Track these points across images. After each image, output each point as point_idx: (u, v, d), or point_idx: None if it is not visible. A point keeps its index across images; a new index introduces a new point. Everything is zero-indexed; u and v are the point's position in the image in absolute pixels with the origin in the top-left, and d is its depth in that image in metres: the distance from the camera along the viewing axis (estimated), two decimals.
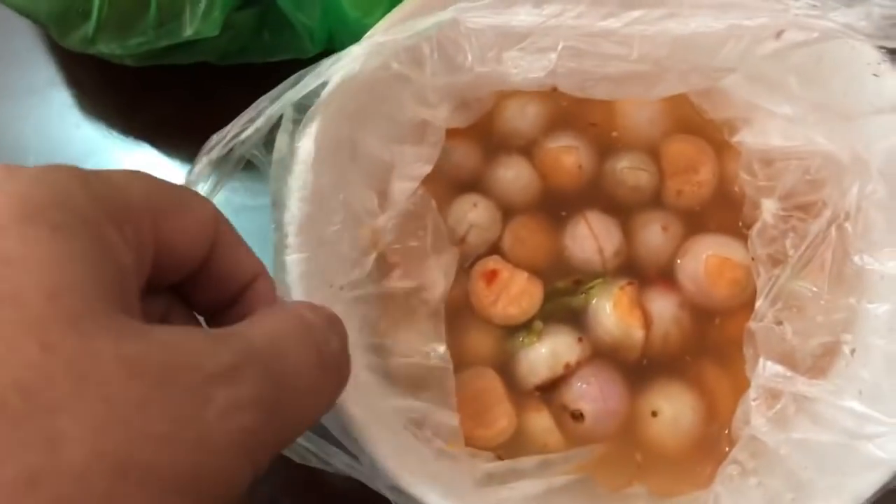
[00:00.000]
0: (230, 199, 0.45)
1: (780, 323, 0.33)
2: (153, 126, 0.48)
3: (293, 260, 0.31)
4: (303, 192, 0.31)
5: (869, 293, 0.33)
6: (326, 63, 0.33)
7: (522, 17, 0.31)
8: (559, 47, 0.31)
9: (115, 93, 0.49)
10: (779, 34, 0.30)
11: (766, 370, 0.32)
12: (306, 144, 0.31)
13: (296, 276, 0.31)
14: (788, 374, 0.32)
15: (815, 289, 0.33)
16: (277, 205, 0.32)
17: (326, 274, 0.32)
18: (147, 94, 0.48)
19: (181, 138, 0.48)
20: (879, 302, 0.32)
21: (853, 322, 0.33)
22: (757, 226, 0.35)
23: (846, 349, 0.32)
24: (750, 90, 0.35)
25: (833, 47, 0.31)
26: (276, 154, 0.33)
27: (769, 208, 0.35)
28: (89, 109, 0.49)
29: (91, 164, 0.47)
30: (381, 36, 0.33)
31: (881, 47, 0.31)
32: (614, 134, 0.40)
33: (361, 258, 0.33)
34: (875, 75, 0.32)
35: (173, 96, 0.48)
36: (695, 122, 0.39)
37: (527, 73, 0.32)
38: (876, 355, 0.31)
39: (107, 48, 0.41)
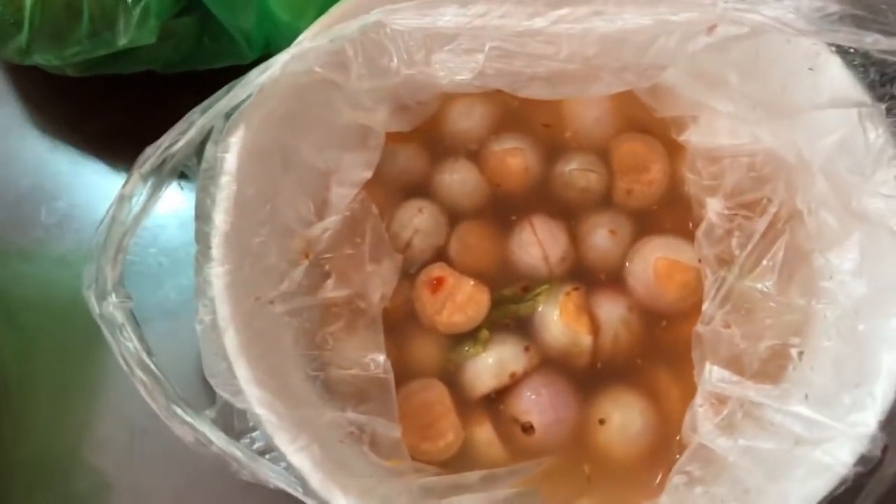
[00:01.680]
0: (177, 212, 0.45)
1: (728, 326, 0.32)
2: (102, 137, 0.47)
3: (216, 273, 0.30)
4: (226, 204, 0.30)
5: (819, 294, 0.32)
6: (255, 72, 0.32)
7: (448, 18, 0.30)
8: (486, 48, 0.30)
9: (64, 104, 0.48)
10: (710, 29, 0.29)
11: (713, 375, 0.31)
12: (229, 154, 0.30)
13: (219, 288, 0.30)
14: (735, 378, 0.30)
15: (765, 290, 0.32)
16: (201, 217, 0.31)
17: (252, 286, 0.31)
18: (95, 105, 0.47)
19: (130, 149, 0.47)
20: (828, 302, 0.31)
21: (802, 324, 0.32)
22: (703, 226, 0.34)
23: (794, 352, 0.31)
24: (693, 88, 0.34)
25: (769, 42, 0.30)
26: (203, 165, 0.32)
27: (714, 207, 0.34)
28: (37, 122, 0.48)
29: (38, 176, 0.47)
30: (309, 41, 0.32)
31: None
32: (567, 134, 0.39)
33: (291, 269, 0.32)
34: (811, 69, 0.31)
35: (121, 106, 0.47)
36: (645, 121, 0.38)
37: (454, 74, 0.31)
38: (824, 358, 0.30)
39: (43, 59, 0.40)
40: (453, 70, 0.31)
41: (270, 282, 0.32)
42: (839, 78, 0.30)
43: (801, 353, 0.31)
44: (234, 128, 0.31)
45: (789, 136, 0.32)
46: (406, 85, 0.32)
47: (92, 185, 0.46)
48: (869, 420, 0.27)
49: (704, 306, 0.32)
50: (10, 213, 0.45)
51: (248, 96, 0.32)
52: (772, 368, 0.31)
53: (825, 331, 0.31)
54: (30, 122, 0.47)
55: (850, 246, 0.30)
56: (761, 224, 0.33)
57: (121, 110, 0.47)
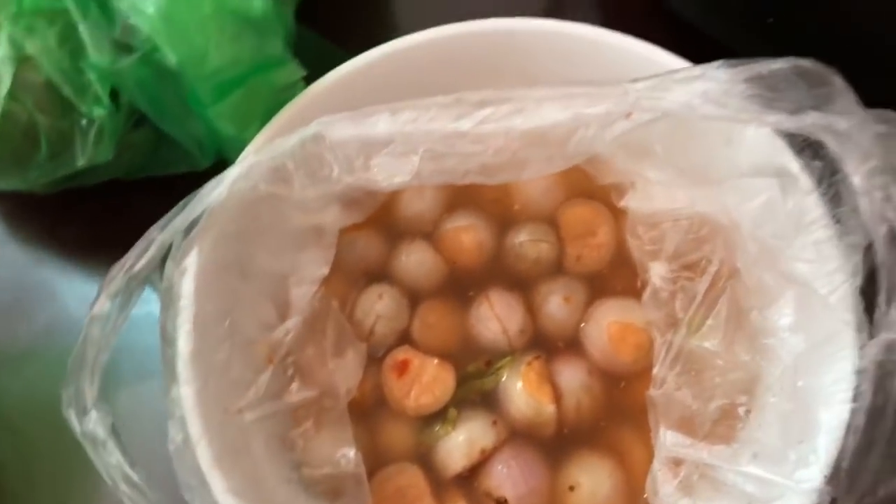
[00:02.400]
0: (151, 314, 0.46)
1: (679, 388, 0.33)
2: (76, 245, 0.49)
3: (183, 393, 0.31)
4: (186, 326, 0.31)
5: (762, 350, 0.33)
6: (207, 188, 0.33)
7: (381, 126, 0.32)
8: (420, 150, 0.32)
9: (38, 216, 0.50)
10: (628, 114, 0.30)
11: (667, 439, 0.32)
12: (186, 278, 0.32)
13: (188, 407, 0.31)
14: (688, 441, 0.32)
15: (712, 349, 0.34)
16: (165, 339, 0.32)
17: (220, 399, 0.32)
18: (66, 214, 0.49)
19: (105, 253, 0.48)
20: (771, 359, 0.32)
21: (749, 382, 0.33)
22: (647, 290, 0.35)
23: (741, 411, 0.32)
24: (625, 158, 0.35)
25: (686, 118, 0.31)
26: (164, 283, 0.34)
27: (657, 271, 0.35)
28: (12, 233, 0.50)
29: (20, 288, 0.48)
30: (253, 155, 0.33)
31: None
32: (516, 207, 0.40)
33: (256, 377, 0.33)
34: (727, 143, 0.32)
35: (92, 212, 0.49)
36: (589, 188, 0.40)
37: (392, 177, 0.32)
38: (770, 415, 0.31)
39: (7, 184, 0.42)
40: (391, 173, 0.32)
41: (237, 392, 0.33)
42: (755, 149, 0.31)
43: (748, 412, 0.32)
44: (189, 250, 0.32)
45: (719, 200, 0.33)
46: (347, 188, 0.33)
47: (72, 292, 0.48)
48: (814, 475, 0.29)
49: (655, 370, 0.34)
50: None
51: (203, 212, 0.34)
52: (722, 428, 0.32)
53: (769, 387, 0.32)
54: (6, 234, 0.49)
55: (784, 304, 0.32)
56: (702, 284, 0.34)
57: (91, 217, 0.49)
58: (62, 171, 0.41)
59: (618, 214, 0.39)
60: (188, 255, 0.32)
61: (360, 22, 0.48)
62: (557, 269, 0.39)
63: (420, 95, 0.36)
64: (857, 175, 0.27)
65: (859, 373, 0.29)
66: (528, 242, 0.39)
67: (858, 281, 0.29)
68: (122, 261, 0.35)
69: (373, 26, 0.49)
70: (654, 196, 0.36)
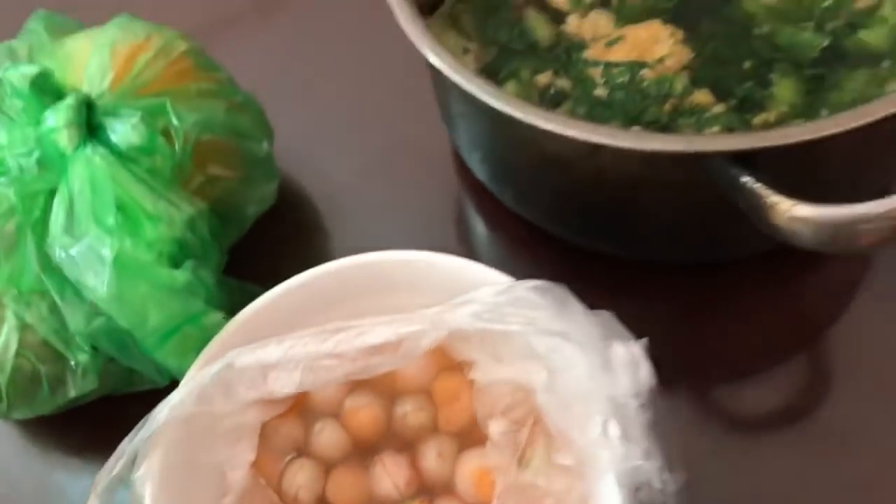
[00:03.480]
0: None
1: None
2: (81, 448, 0.62)
3: None
4: None
5: (568, 478, 0.45)
6: (156, 410, 0.47)
7: (272, 352, 0.45)
8: (300, 367, 0.45)
9: (49, 427, 0.62)
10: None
11: None
12: (146, 484, 0.44)
13: None
14: None
15: (537, 482, 0.45)
16: None
17: None
18: (71, 424, 0.62)
19: (104, 454, 0.61)
20: (572, 487, 0.44)
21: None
22: (488, 443, 0.47)
23: None
24: (458, 345, 0.48)
25: None
26: (132, 486, 0.47)
27: (494, 427, 0.47)
28: (29, 443, 0.62)
29: (34, 487, 0.61)
30: (190, 381, 0.46)
31: None
32: (399, 385, 0.53)
33: None
34: (506, 338, 0.45)
35: (91, 422, 0.61)
36: (451, 363, 0.52)
37: (284, 388, 0.45)
38: None
39: (20, 415, 0.55)
40: (282, 385, 0.45)
41: None
42: (524, 343, 0.44)
43: None
44: (144, 460, 0.45)
45: (521, 374, 0.46)
46: (254, 400, 0.46)
47: (79, 488, 0.60)
48: None
49: None
50: None
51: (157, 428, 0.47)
52: None
53: None
54: (24, 446, 0.62)
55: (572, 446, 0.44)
56: (524, 434, 0.46)
57: (90, 426, 0.61)
58: (60, 402, 0.54)
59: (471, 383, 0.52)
60: (144, 464, 0.45)
61: (266, 264, 0.63)
62: (434, 429, 0.52)
63: (317, 315, 0.50)
64: (583, 364, 0.40)
65: (619, 489, 0.41)
66: (411, 412, 0.52)
67: (604, 427, 0.41)
68: (105, 467, 0.47)
69: (280, 265, 0.63)
70: (488, 370, 0.49)
